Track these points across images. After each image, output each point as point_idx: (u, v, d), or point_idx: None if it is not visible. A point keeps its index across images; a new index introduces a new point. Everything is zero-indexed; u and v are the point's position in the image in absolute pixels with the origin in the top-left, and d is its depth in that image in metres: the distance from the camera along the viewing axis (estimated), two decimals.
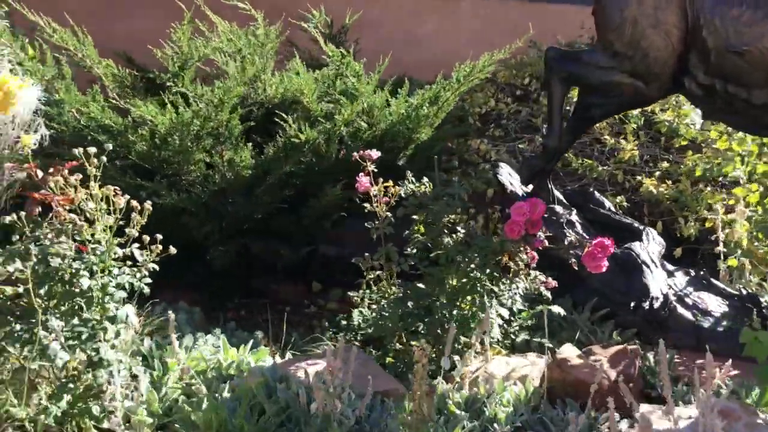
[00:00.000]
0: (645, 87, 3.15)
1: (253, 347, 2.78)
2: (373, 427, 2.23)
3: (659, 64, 3.07)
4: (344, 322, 3.29)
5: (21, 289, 2.16)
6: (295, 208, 3.37)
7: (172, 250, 2.11)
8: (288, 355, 2.93)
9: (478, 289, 2.79)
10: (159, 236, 2.10)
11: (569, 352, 2.67)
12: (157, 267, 2.14)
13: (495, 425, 2.38)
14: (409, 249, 2.95)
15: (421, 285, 2.94)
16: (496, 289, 2.83)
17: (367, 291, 3.01)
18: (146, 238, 2.10)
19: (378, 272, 2.96)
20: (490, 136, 4.71)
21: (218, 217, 3.16)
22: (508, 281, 2.82)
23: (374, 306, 2.92)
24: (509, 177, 3.64)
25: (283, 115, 3.36)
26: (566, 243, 2.94)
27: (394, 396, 2.47)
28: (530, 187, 3.57)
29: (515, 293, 2.86)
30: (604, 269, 2.76)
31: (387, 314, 2.92)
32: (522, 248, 2.79)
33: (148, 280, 2.15)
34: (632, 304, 3.13)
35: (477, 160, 4.46)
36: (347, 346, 2.58)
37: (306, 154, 3.31)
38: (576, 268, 2.92)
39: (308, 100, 3.34)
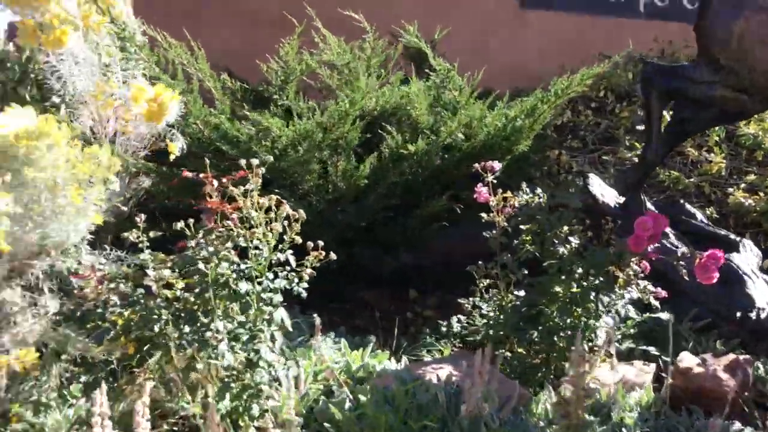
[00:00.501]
0: (750, 101, 3.21)
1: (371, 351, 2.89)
2: (513, 429, 2.31)
3: (766, 78, 3.13)
4: (444, 329, 3.38)
5: (179, 293, 2.29)
6: (400, 218, 3.47)
7: (333, 256, 2.21)
8: (404, 360, 3.02)
9: (592, 298, 2.88)
10: (321, 242, 2.20)
11: (689, 360, 2.73)
12: (314, 272, 2.24)
13: (623, 430, 2.46)
14: (507, 257, 3.04)
15: (519, 293, 3.03)
16: (606, 299, 2.91)
17: (477, 299, 3.10)
18: (309, 244, 2.20)
19: (490, 280, 3.05)
20: (567, 147, 4.79)
21: (330, 226, 3.27)
22: (621, 290, 2.90)
23: (491, 314, 3.00)
24: (600, 188, 3.72)
25: (388, 126, 3.46)
26: (679, 254, 3.00)
27: (523, 400, 2.56)
28: (622, 199, 3.65)
29: (626, 303, 2.94)
30: (714, 281, 2.83)
31: (494, 322, 3.02)
32: (636, 259, 2.87)
33: (305, 285, 2.25)
34: (738, 315, 3.18)
35: (558, 170, 4.55)
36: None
37: (411, 165, 3.41)
38: (687, 279, 2.99)
39: (418, 112, 3.44)
